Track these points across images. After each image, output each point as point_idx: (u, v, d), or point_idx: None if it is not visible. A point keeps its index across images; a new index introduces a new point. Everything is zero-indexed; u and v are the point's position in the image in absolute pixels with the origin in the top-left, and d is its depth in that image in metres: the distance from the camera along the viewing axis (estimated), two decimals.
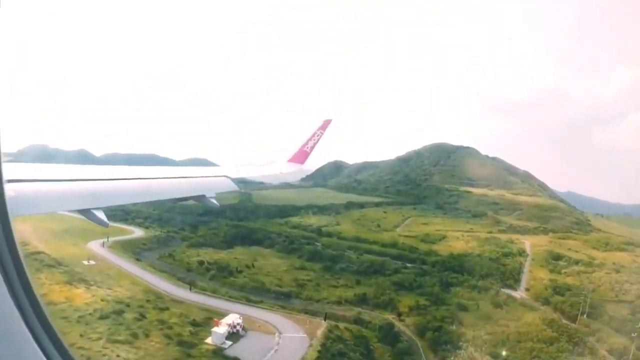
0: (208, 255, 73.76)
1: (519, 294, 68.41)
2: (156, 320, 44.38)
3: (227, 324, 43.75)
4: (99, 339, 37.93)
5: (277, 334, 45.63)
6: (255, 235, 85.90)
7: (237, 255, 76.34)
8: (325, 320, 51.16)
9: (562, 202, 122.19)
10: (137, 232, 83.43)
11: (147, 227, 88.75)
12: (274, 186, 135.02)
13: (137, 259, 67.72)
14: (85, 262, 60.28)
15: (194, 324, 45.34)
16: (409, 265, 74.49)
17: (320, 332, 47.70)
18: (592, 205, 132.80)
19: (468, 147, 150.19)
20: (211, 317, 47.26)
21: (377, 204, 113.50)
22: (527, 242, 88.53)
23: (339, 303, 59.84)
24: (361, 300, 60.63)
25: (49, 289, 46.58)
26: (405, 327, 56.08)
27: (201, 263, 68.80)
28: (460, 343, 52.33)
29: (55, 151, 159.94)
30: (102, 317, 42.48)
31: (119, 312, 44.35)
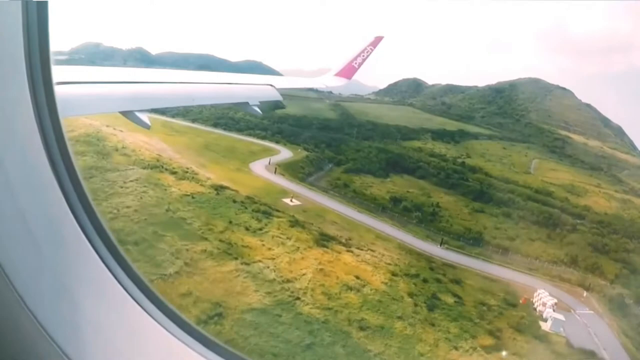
0: (381, 186, 63.24)
1: None
2: (478, 302, 35.03)
3: (552, 306, 36.51)
4: (473, 349, 28.08)
5: (572, 311, 40.07)
6: (402, 162, 74.83)
7: (400, 185, 66.55)
8: (587, 290, 46.29)
9: None
10: (284, 152, 68.95)
11: (277, 142, 74.38)
12: (347, 98, 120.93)
13: (325, 191, 56.03)
14: (289, 202, 46.93)
15: (509, 303, 36.95)
16: (578, 221, 69.78)
17: (597, 305, 43.08)
18: None
19: (565, 89, 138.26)
20: (506, 291, 39.42)
21: (489, 137, 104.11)
22: None
23: (554, 262, 55.01)
24: (572, 262, 56.15)
25: (318, 259, 33.89)
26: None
27: (395, 200, 58.38)
28: None
29: (111, 49, 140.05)
30: (430, 307, 31.98)
31: (434, 297, 33.81)
